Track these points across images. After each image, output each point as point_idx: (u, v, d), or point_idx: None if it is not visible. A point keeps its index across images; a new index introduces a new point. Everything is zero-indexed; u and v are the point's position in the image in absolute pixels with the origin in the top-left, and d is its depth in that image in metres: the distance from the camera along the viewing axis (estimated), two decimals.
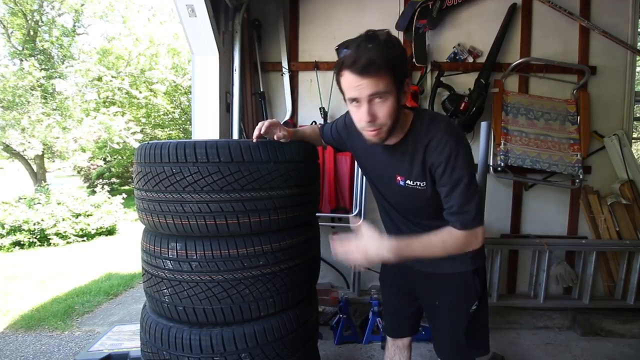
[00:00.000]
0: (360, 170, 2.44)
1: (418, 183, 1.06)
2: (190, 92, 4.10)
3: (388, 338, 1.48)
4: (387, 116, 0.93)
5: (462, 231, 1.01)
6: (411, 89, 2.40)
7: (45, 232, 5.23)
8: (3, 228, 5.09)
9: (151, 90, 10.15)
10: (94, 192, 7.10)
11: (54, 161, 11.75)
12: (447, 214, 1.04)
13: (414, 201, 1.13)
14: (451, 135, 0.99)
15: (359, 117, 0.95)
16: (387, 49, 0.88)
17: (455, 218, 1.02)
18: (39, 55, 8.93)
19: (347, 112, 1.23)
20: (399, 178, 1.09)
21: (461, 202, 1.00)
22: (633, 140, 2.84)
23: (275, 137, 1.23)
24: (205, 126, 2.28)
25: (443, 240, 1.01)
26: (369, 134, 0.98)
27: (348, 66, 0.89)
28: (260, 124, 1.20)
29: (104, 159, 10.94)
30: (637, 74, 3.36)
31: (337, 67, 0.93)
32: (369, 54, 0.86)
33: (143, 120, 10.77)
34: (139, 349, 1.39)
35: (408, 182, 1.07)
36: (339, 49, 0.94)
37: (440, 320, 1.27)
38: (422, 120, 1.04)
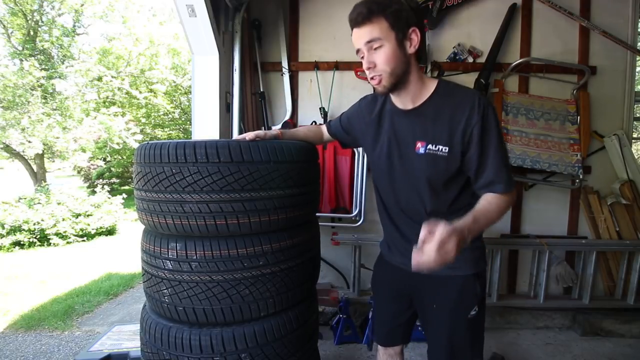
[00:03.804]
0: (360, 170, 2.44)
1: (440, 148, 1.02)
2: (190, 92, 4.10)
3: (379, 346, 1.41)
4: (385, 62, 0.97)
5: (505, 195, 1.01)
6: None
7: (45, 232, 5.23)
8: (3, 228, 5.09)
9: (151, 90, 10.15)
10: (94, 192, 7.11)
11: (54, 161, 11.77)
12: (484, 180, 1.02)
13: (424, 181, 1.07)
14: (483, 98, 1.00)
15: (364, 66, 1.01)
16: (380, 1, 0.95)
17: (495, 181, 1.01)
18: (39, 55, 8.94)
19: (361, 98, 1.27)
20: (419, 144, 1.05)
21: (498, 163, 1.00)
22: (633, 140, 2.84)
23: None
24: (205, 126, 2.28)
25: (498, 206, 1.00)
26: (373, 82, 1.02)
27: (349, 23, 0.99)
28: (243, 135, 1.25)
29: (104, 159, 10.95)
30: (637, 74, 3.36)
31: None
32: (359, 7, 0.96)
33: (143, 120, 10.77)
34: (139, 349, 1.39)
35: (430, 147, 1.03)
36: None
37: (437, 325, 1.22)
38: (448, 85, 1.05)
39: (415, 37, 0.97)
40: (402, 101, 1.07)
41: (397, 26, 0.96)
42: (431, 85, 1.05)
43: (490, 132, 0.98)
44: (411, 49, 0.98)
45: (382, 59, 0.97)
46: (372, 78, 1.02)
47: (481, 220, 0.98)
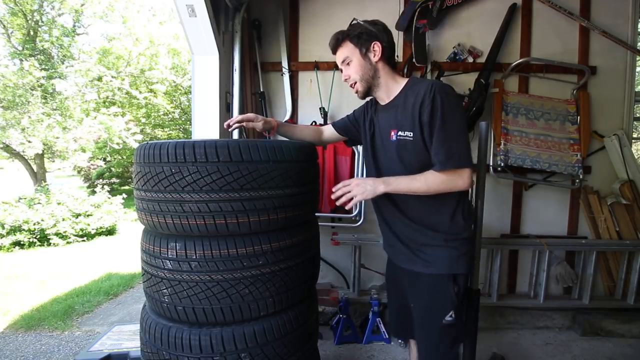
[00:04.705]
0: (360, 170, 2.44)
1: (407, 134, 1.17)
2: (190, 92, 4.10)
3: (410, 340, 1.50)
4: (355, 71, 1.24)
5: (441, 172, 1.11)
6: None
7: (45, 232, 5.23)
8: (3, 228, 5.09)
9: (151, 90, 10.14)
10: (94, 192, 7.10)
11: (54, 161, 11.77)
12: (432, 160, 1.14)
13: (400, 166, 1.20)
14: (438, 84, 1.15)
15: (343, 80, 1.29)
16: (344, 30, 1.25)
17: (434, 160, 1.13)
18: (39, 55, 8.93)
19: (367, 101, 1.42)
20: (392, 133, 1.22)
21: (439, 142, 1.10)
22: (633, 140, 2.83)
23: (251, 126, 1.43)
24: (205, 126, 2.27)
25: (425, 178, 1.13)
26: (353, 90, 1.28)
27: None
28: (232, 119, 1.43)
29: (104, 159, 10.95)
30: (637, 74, 3.36)
31: None
32: (331, 39, 1.27)
33: (143, 120, 10.76)
34: (139, 349, 1.39)
35: (400, 133, 1.19)
36: None
37: (415, 325, 1.26)
38: (415, 79, 1.25)
39: (377, 49, 1.22)
40: (381, 98, 1.28)
41: (359, 44, 1.22)
42: (403, 82, 1.25)
43: (436, 114, 1.10)
44: (375, 58, 1.22)
45: (352, 70, 1.24)
46: (350, 86, 1.28)
47: (402, 181, 1.15)
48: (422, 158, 1.16)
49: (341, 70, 1.30)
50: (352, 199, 1.16)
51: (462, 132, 1.13)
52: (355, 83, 1.25)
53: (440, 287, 1.17)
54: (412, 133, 1.15)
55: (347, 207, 1.19)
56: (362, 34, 1.22)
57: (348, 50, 1.23)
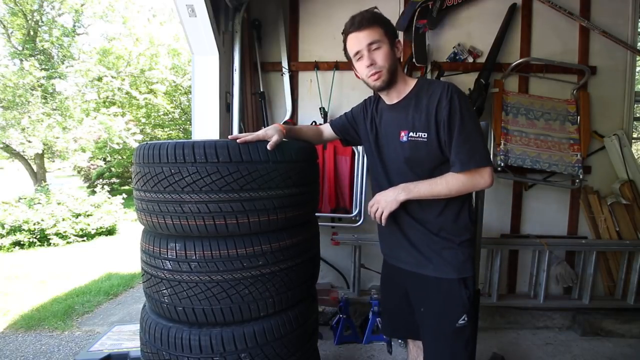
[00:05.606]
0: (360, 170, 2.44)
1: (420, 134, 1.14)
2: (190, 92, 4.10)
3: (408, 340, 1.49)
4: (384, 59, 1.14)
5: (462, 173, 1.11)
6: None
7: (45, 232, 5.23)
8: (3, 228, 5.10)
9: (151, 90, 10.14)
10: (94, 192, 7.10)
11: (54, 161, 11.78)
12: (451, 161, 1.13)
13: (409, 167, 1.18)
14: (452, 85, 1.14)
15: (362, 66, 1.16)
16: (374, 12, 1.16)
17: (454, 160, 1.11)
18: (39, 55, 8.93)
19: (365, 99, 1.40)
20: (402, 134, 1.18)
21: (460, 142, 1.09)
22: (633, 140, 2.83)
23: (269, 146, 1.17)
24: (205, 126, 2.27)
25: (446, 180, 1.13)
26: (372, 79, 1.16)
27: (348, 28, 1.16)
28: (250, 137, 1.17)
29: (104, 159, 10.95)
30: (637, 74, 3.36)
31: (344, 35, 1.19)
32: (361, 15, 1.14)
33: (143, 120, 10.77)
34: (139, 349, 1.39)
35: (411, 134, 1.15)
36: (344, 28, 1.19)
37: (425, 331, 1.24)
38: (426, 81, 1.23)
39: (400, 46, 1.20)
40: (390, 97, 1.23)
41: (389, 34, 1.15)
42: (412, 83, 1.22)
43: (456, 115, 1.09)
44: (398, 54, 1.19)
45: (381, 57, 1.13)
46: (372, 75, 1.15)
47: (422, 186, 1.14)
48: (434, 159, 1.14)
49: (348, 60, 1.20)
50: (382, 214, 1.20)
51: (481, 133, 1.13)
52: (380, 72, 1.14)
53: (452, 292, 1.16)
54: (426, 134, 1.13)
55: (382, 224, 1.22)
56: (390, 25, 1.17)
57: (379, 34, 1.13)
